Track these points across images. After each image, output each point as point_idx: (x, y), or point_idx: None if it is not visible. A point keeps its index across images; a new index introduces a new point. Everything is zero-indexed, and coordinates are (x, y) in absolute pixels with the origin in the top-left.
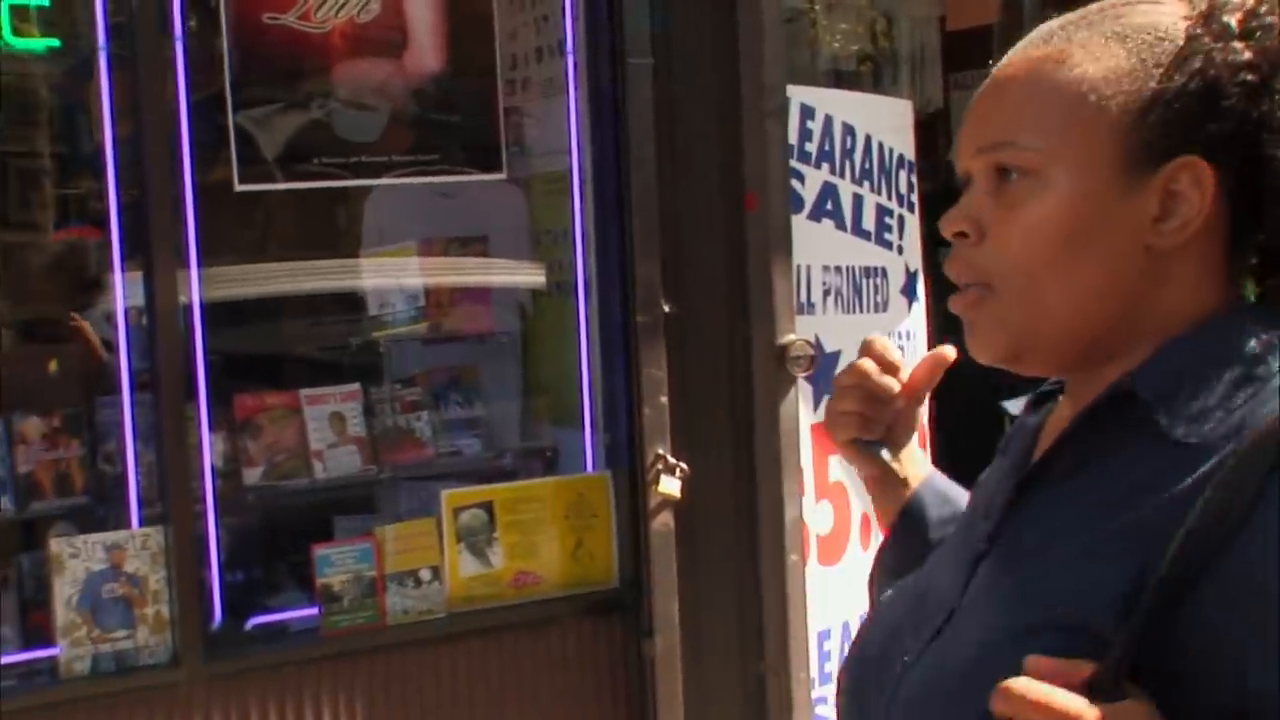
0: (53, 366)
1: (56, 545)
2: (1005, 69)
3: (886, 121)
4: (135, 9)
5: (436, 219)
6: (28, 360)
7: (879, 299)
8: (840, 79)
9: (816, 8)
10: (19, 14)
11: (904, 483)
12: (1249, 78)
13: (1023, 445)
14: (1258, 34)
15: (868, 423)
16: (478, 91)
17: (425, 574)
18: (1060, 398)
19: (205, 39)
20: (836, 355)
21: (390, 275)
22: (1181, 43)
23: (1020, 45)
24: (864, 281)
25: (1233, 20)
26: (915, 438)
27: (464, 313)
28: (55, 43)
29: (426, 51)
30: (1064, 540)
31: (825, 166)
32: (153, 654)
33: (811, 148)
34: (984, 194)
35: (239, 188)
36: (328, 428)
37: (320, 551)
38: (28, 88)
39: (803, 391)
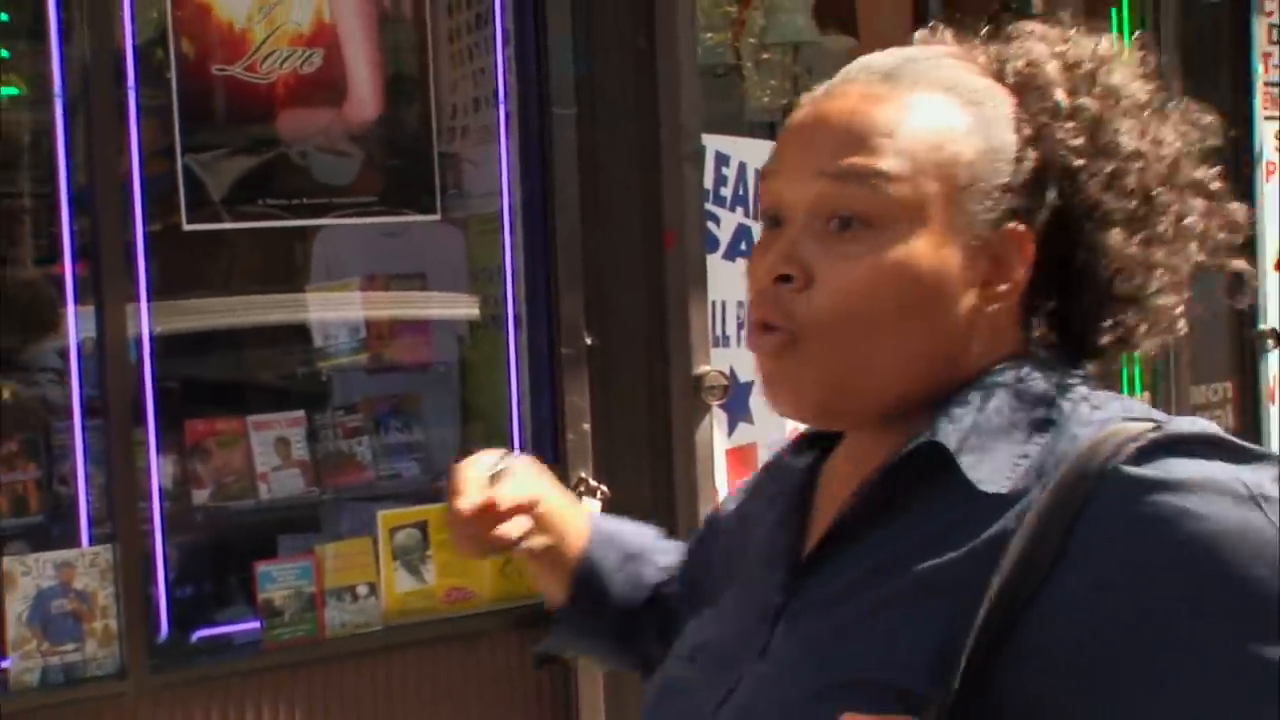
0: (9, 394)
1: (9, 563)
2: (846, 101)
3: None
4: (89, 60)
5: (380, 257)
6: None
7: None
8: (770, 130)
9: (747, 64)
10: None
11: (562, 548)
12: (1075, 162)
13: (790, 491)
14: (1082, 114)
15: (489, 542)
16: (415, 138)
17: (362, 589)
18: (838, 446)
19: (156, 87)
20: (749, 385)
21: (334, 309)
22: (1011, 112)
23: (848, 80)
24: None
25: (1062, 99)
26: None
27: (404, 344)
28: (14, 90)
29: (366, 102)
30: (870, 595)
31: (739, 209)
32: (100, 666)
33: (726, 192)
34: (811, 238)
35: (187, 227)
36: (273, 452)
37: (263, 568)
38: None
39: (717, 418)
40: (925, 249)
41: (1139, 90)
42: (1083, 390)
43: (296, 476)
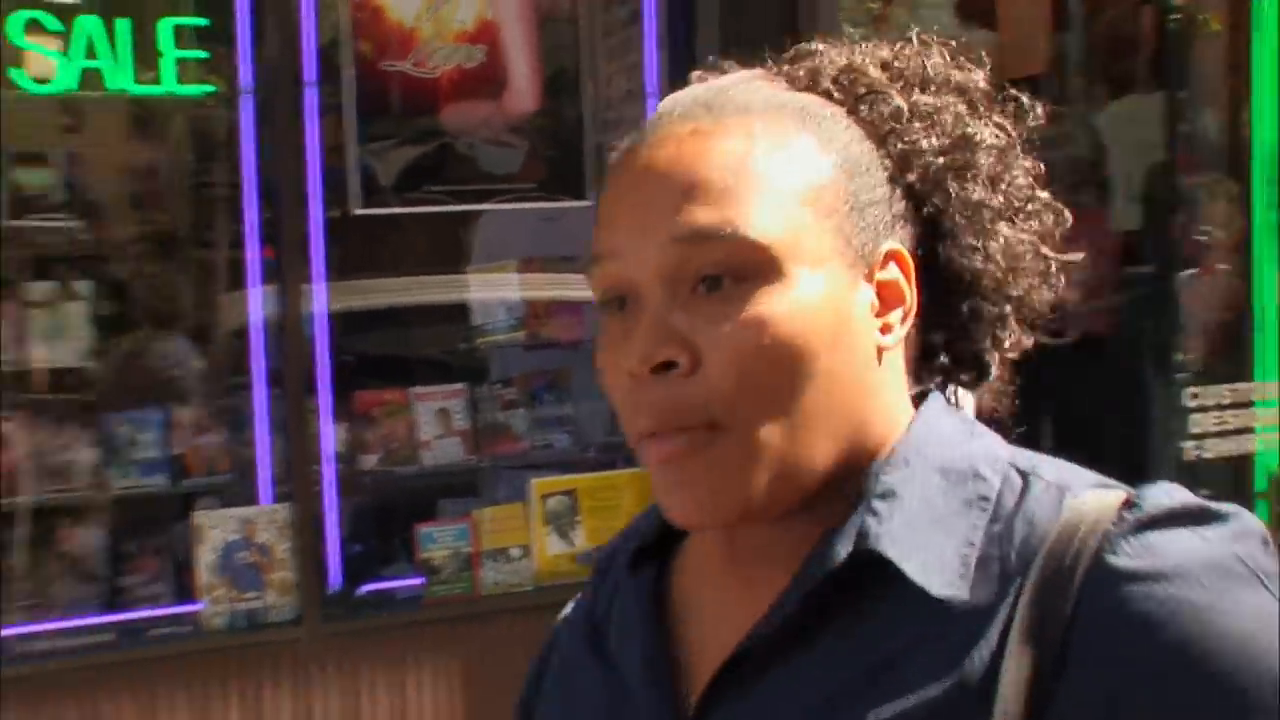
0: (201, 365)
1: (199, 517)
2: (671, 146)
3: None
4: (275, 61)
5: (537, 240)
6: (185, 360)
7: None
8: None
9: None
10: (183, 65)
11: None
12: (937, 161)
13: (636, 624)
14: (926, 111)
15: None
16: (570, 129)
17: (515, 551)
18: (679, 555)
19: (333, 84)
20: None
21: (494, 289)
22: (851, 123)
23: (665, 122)
24: None
25: (899, 100)
26: None
27: (558, 322)
28: (211, 88)
29: (525, 95)
30: None
31: None
32: (278, 613)
33: None
34: (680, 309)
35: (360, 213)
36: (435, 421)
37: (424, 529)
38: (196, 127)
39: None
40: (812, 287)
41: (968, 79)
42: (1003, 454)
43: (456, 445)
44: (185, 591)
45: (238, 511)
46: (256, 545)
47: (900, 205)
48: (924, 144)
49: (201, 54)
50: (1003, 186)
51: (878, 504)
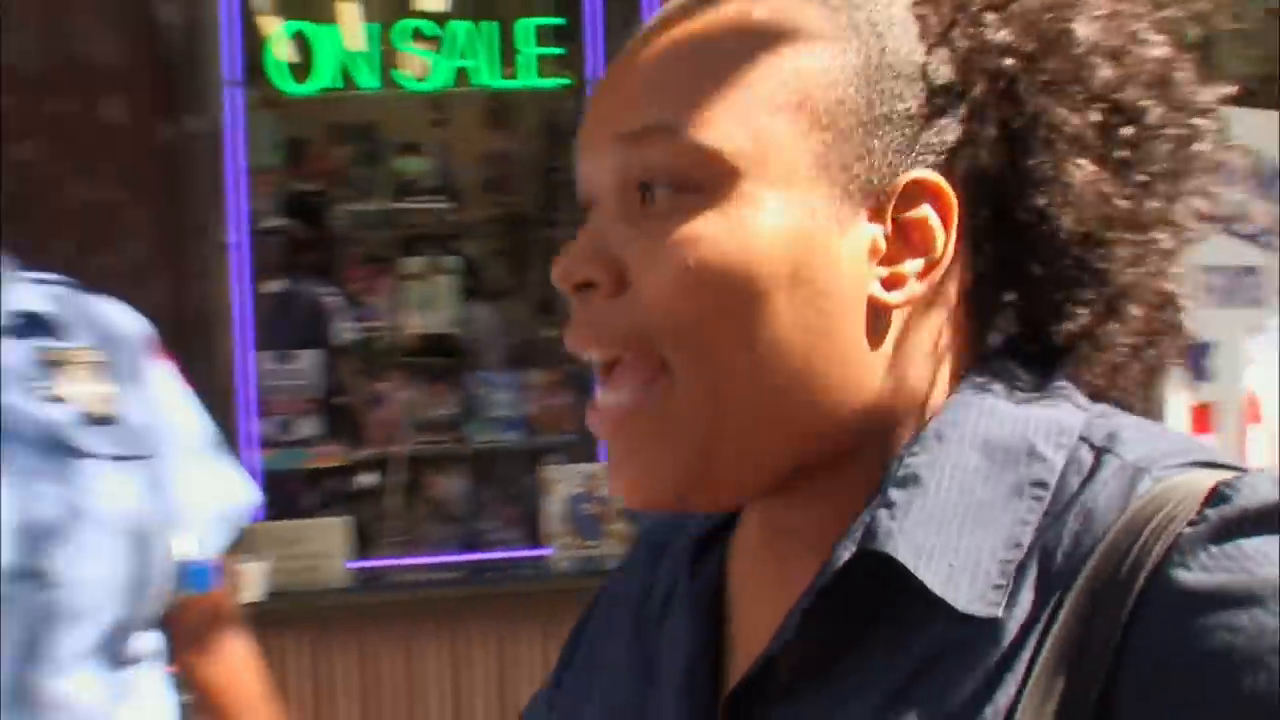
0: (553, 334)
1: (547, 471)
2: (661, 27)
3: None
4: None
5: None
6: (534, 328)
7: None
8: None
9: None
10: (541, 61)
11: None
12: (1007, 63)
13: (686, 623)
14: (1012, 4)
15: None
16: None
17: None
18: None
19: None
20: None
21: None
22: (903, 10)
23: (668, 6)
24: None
25: None
26: None
27: None
28: (567, 81)
29: None
30: None
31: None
32: (616, 561)
33: None
34: (623, 222)
35: None
36: None
37: None
38: (548, 118)
39: (1179, 375)
40: (772, 212)
41: None
42: (1076, 423)
43: None
44: (534, 537)
45: (582, 467)
46: (597, 498)
47: (956, 127)
48: (998, 37)
49: (557, 50)
50: (1118, 104)
51: (895, 493)
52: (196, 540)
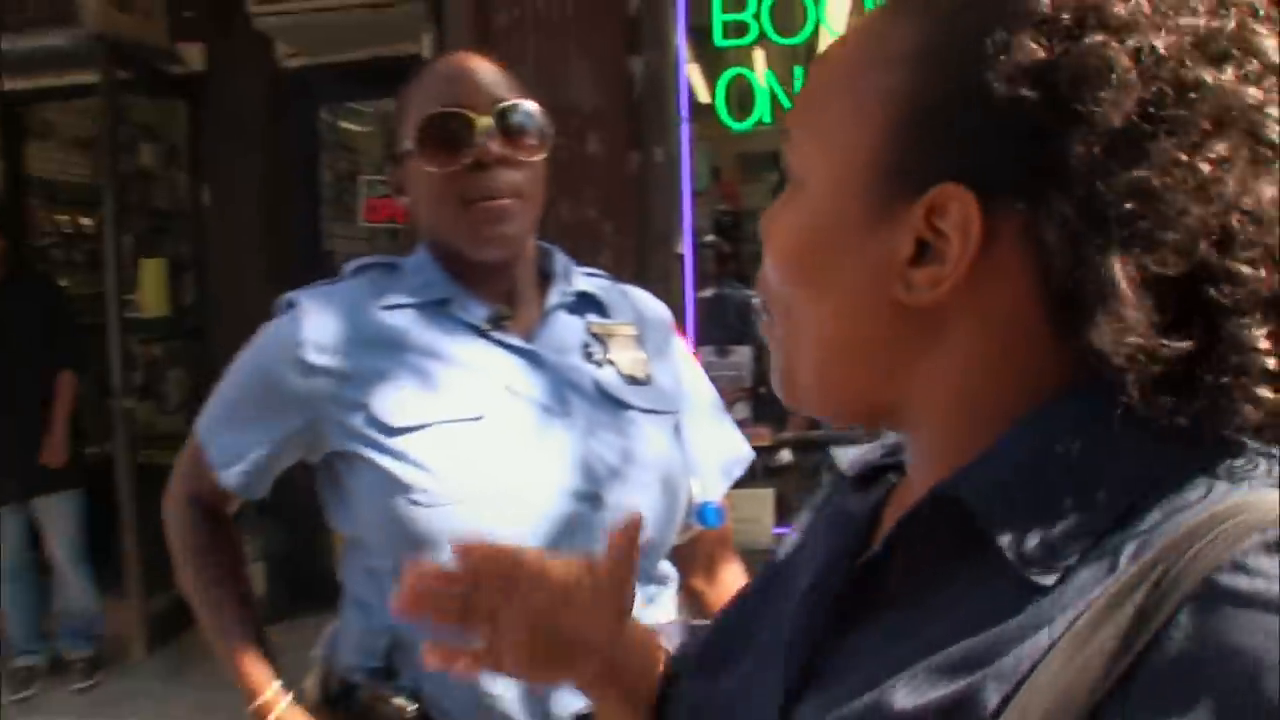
0: None
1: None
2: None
3: None
4: None
5: None
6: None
7: None
8: None
9: None
10: None
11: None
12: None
13: (844, 536)
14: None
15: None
16: None
17: None
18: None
19: None
20: None
21: None
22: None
23: None
24: None
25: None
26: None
27: None
28: None
29: None
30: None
31: None
32: None
33: None
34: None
35: None
36: None
37: None
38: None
39: None
40: (814, 214)
41: None
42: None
43: None
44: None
45: None
46: None
47: (1009, 146)
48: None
49: None
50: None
51: (985, 459)
52: (706, 484)
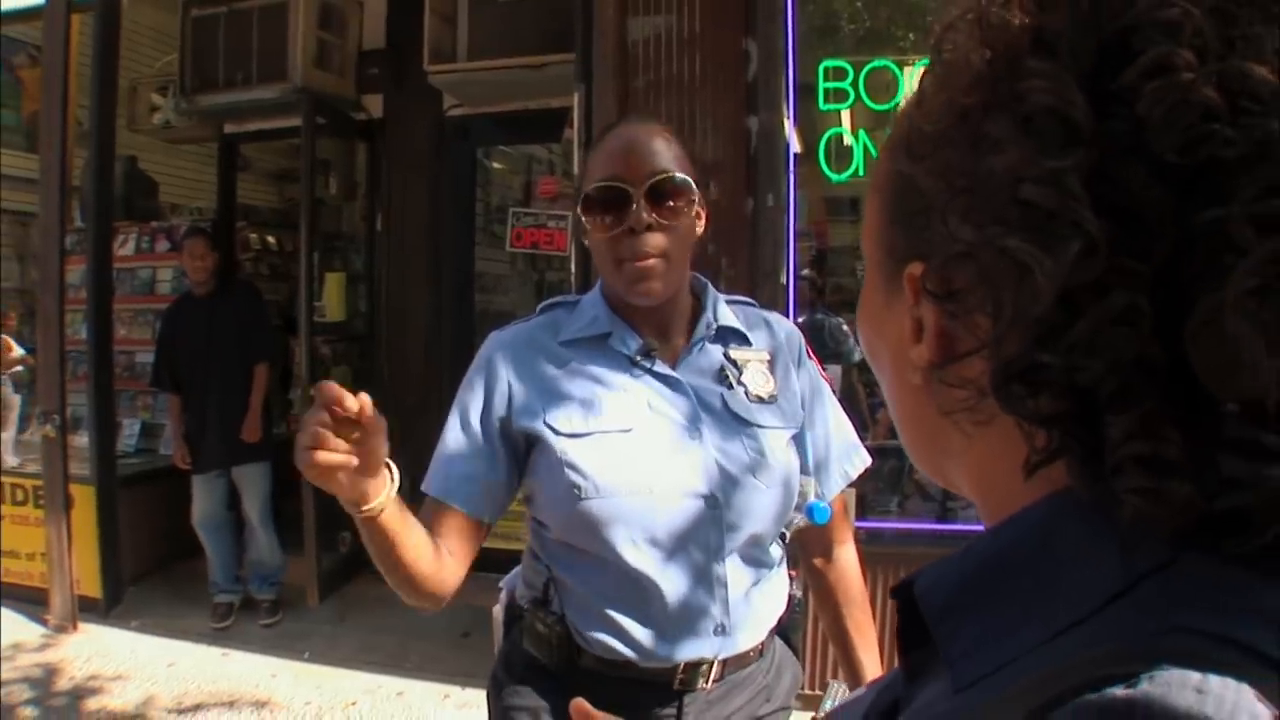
0: None
1: None
2: None
3: None
4: None
5: None
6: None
7: None
8: None
9: None
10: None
11: None
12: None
13: None
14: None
15: None
16: None
17: None
18: None
19: None
20: None
21: None
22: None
23: None
24: None
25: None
26: None
27: None
28: None
29: None
30: None
31: None
32: None
33: None
34: None
35: None
36: None
37: None
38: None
39: None
40: (867, 291)
41: None
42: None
43: None
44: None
45: None
46: None
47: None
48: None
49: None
50: None
51: (956, 557)
52: (826, 486)
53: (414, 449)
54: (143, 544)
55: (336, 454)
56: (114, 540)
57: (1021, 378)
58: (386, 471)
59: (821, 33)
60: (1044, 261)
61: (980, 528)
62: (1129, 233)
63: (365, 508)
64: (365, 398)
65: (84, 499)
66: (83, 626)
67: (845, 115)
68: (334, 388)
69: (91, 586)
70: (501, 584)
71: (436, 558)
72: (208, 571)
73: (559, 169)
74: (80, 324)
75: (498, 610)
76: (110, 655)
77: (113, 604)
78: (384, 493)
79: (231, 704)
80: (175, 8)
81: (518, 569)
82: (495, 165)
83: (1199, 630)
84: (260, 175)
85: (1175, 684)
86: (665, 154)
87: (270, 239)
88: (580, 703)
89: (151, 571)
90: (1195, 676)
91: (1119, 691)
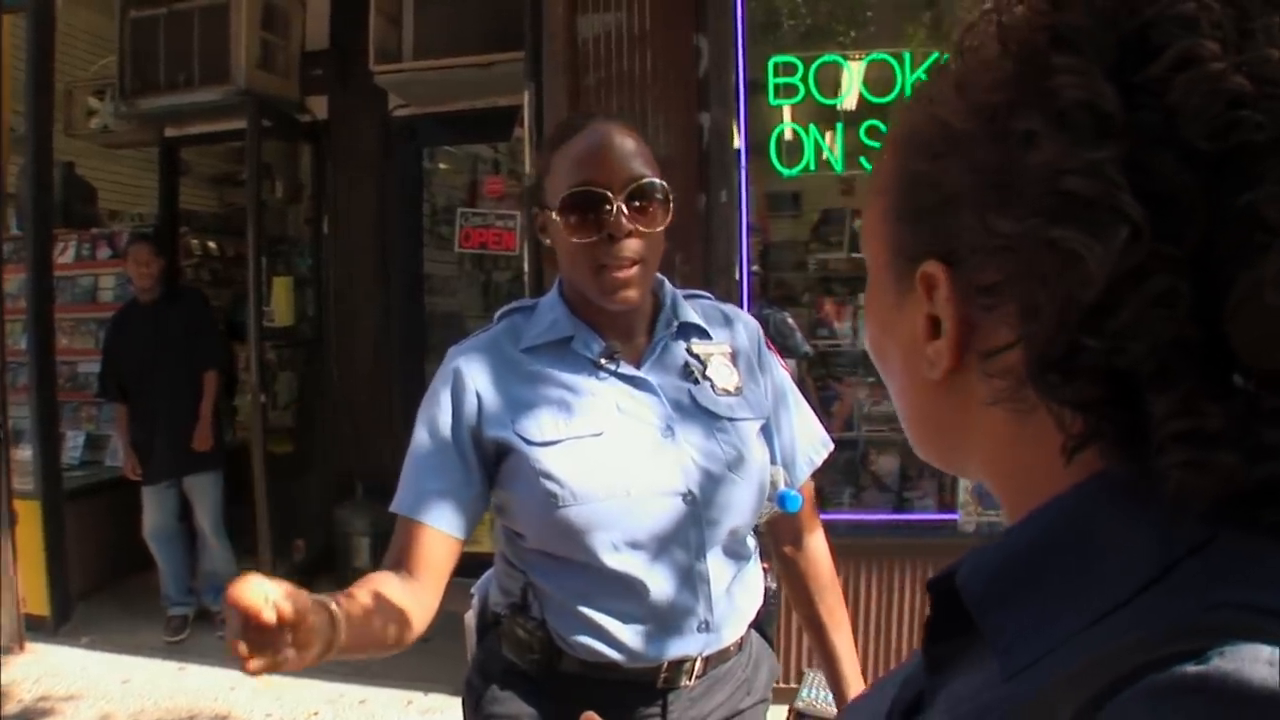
0: None
1: None
2: None
3: None
4: None
5: None
6: None
7: None
8: None
9: None
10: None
11: None
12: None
13: None
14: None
15: None
16: None
17: None
18: None
19: None
20: None
21: None
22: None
23: None
24: None
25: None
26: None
27: None
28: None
29: None
30: None
31: None
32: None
33: None
34: None
35: None
36: None
37: None
38: None
39: None
40: (873, 292)
41: None
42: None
43: None
44: (946, 505)
45: None
46: None
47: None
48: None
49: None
50: None
51: (996, 546)
52: (793, 474)
53: (364, 449)
54: (90, 558)
55: (267, 658)
56: (60, 556)
57: (1059, 365)
58: (326, 614)
59: (768, 29)
60: (1095, 249)
61: (935, 517)
62: (1163, 219)
63: (327, 656)
64: (281, 602)
65: (28, 514)
66: (30, 646)
67: (798, 111)
68: (247, 605)
69: (38, 604)
70: (473, 590)
71: (410, 602)
72: (160, 584)
73: (504, 168)
74: (20, 334)
75: (470, 617)
76: (61, 675)
77: (61, 621)
78: (336, 635)
79: (190, 719)
80: (111, 10)
81: (489, 573)
82: (441, 166)
83: (1246, 605)
84: (198, 180)
85: (1248, 658)
86: (641, 156)
87: (211, 244)
88: (592, 717)
89: (100, 587)
90: (1266, 650)
91: (1190, 668)
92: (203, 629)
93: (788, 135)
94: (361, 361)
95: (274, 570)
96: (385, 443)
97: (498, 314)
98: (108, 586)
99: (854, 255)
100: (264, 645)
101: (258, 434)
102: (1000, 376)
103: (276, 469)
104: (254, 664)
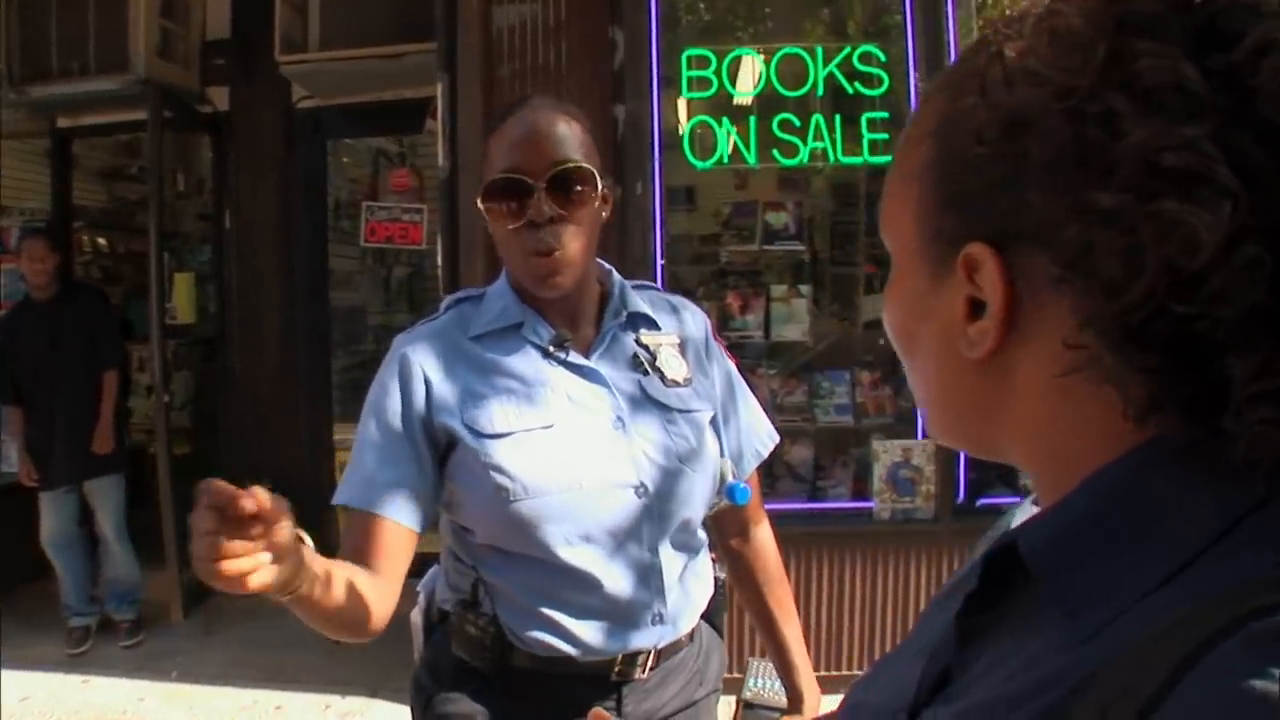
0: (881, 342)
1: (876, 445)
2: None
3: None
4: None
5: None
6: (873, 339)
7: None
8: None
9: None
10: (874, 144)
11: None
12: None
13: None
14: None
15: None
16: None
17: None
18: None
19: None
20: None
21: None
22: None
23: None
24: None
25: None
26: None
27: None
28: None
29: None
30: None
31: None
32: (923, 514)
33: None
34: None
35: None
36: None
37: None
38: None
39: None
40: (899, 279)
41: None
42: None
43: None
44: (861, 493)
45: (900, 443)
46: (912, 466)
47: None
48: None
49: (885, 135)
50: None
51: (1052, 513)
52: (740, 466)
53: (269, 447)
54: None
55: (244, 559)
56: None
57: (1136, 333)
58: (299, 542)
59: (680, 22)
60: (1205, 218)
61: (850, 505)
62: (1249, 192)
63: (290, 595)
64: (260, 492)
65: None
66: None
67: (712, 103)
68: (223, 488)
69: None
70: (419, 587)
71: (373, 590)
72: (59, 594)
73: (409, 161)
74: None
75: (416, 615)
76: None
77: None
78: (305, 569)
79: None
80: None
81: (433, 570)
82: (347, 159)
83: None
84: (87, 173)
85: None
86: (568, 141)
87: (101, 241)
88: (600, 713)
89: None
90: None
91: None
92: (106, 639)
93: (701, 128)
94: (267, 357)
95: (181, 576)
96: (291, 439)
97: (444, 303)
98: (3, 598)
99: (766, 248)
100: (237, 545)
101: (162, 435)
102: (1059, 350)
103: (177, 470)
104: (227, 565)
